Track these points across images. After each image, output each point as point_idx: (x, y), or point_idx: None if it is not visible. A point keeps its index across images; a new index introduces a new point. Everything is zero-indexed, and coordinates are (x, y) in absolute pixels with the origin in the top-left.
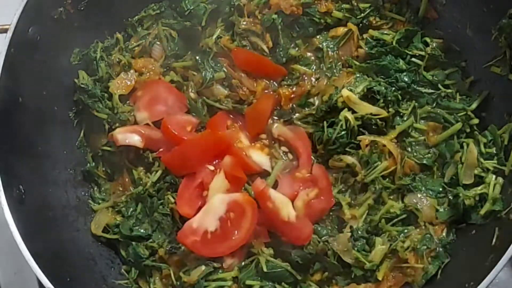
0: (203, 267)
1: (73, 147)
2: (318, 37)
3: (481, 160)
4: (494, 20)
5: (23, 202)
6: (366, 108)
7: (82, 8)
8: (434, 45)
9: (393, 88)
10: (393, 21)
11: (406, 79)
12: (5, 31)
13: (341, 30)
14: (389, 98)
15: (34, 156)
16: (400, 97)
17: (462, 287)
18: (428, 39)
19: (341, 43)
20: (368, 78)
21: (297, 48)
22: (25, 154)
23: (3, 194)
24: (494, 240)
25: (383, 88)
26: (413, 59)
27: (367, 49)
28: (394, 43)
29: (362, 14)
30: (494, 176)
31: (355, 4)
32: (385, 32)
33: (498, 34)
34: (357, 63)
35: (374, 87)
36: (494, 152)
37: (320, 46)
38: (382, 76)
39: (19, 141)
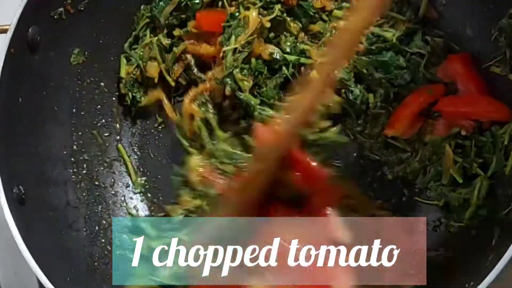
0: None
1: (73, 147)
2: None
3: (480, 160)
4: (494, 20)
5: (23, 202)
6: None
7: (82, 8)
8: (434, 44)
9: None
10: (394, 20)
11: (406, 77)
12: (5, 31)
13: (341, 23)
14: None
15: (34, 156)
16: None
17: (462, 287)
18: (428, 38)
19: None
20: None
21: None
22: (25, 154)
23: (3, 194)
24: (494, 240)
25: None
26: (413, 56)
27: (367, 44)
28: (394, 40)
29: None
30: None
31: (355, 3)
32: (386, 29)
33: (498, 34)
34: (356, 56)
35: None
36: (494, 152)
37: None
38: (382, 72)
39: (19, 141)
